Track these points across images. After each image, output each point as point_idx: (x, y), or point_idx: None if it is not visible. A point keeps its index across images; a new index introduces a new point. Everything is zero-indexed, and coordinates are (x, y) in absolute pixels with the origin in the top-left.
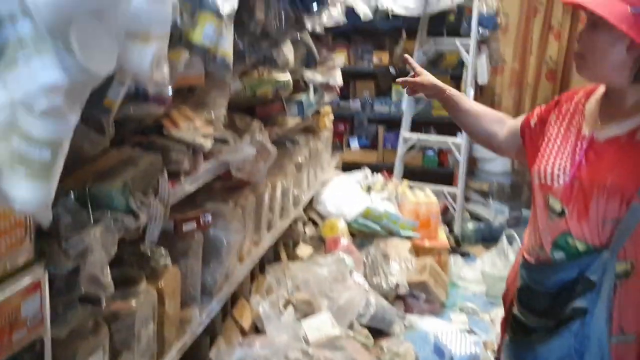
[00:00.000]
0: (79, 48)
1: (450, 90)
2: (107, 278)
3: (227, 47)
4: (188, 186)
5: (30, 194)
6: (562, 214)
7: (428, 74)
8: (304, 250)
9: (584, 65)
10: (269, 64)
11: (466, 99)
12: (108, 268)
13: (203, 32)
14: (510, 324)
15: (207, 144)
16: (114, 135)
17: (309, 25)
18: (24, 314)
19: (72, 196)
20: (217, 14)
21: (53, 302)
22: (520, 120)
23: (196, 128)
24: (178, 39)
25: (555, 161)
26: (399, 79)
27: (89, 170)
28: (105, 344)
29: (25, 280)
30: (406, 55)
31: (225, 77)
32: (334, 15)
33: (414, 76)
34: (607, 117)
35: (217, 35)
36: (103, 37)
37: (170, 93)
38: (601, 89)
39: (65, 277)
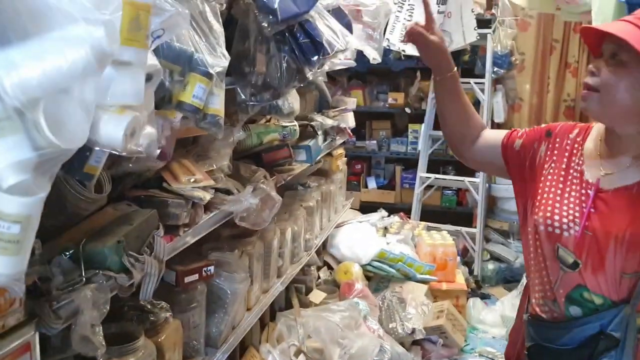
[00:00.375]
0: (47, 126)
1: (455, 71)
2: (98, 338)
3: (217, 105)
4: (189, 238)
5: (1, 269)
6: (575, 266)
7: (442, 35)
8: (316, 296)
9: (595, 101)
10: (275, 112)
11: (462, 88)
12: (100, 327)
13: (193, 93)
14: None
15: (207, 197)
16: (113, 190)
17: (310, 76)
18: None
19: (66, 255)
20: (207, 74)
21: None
22: (500, 136)
23: (196, 181)
24: (168, 100)
25: (562, 208)
26: (408, 27)
27: (84, 228)
28: None
29: (16, 342)
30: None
31: (216, 134)
32: (344, 58)
33: (426, 28)
34: (610, 165)
35: (206, 94)
36: (73, 112)
37: (159, 151)
38: (598, 129)
39: (60, 335)
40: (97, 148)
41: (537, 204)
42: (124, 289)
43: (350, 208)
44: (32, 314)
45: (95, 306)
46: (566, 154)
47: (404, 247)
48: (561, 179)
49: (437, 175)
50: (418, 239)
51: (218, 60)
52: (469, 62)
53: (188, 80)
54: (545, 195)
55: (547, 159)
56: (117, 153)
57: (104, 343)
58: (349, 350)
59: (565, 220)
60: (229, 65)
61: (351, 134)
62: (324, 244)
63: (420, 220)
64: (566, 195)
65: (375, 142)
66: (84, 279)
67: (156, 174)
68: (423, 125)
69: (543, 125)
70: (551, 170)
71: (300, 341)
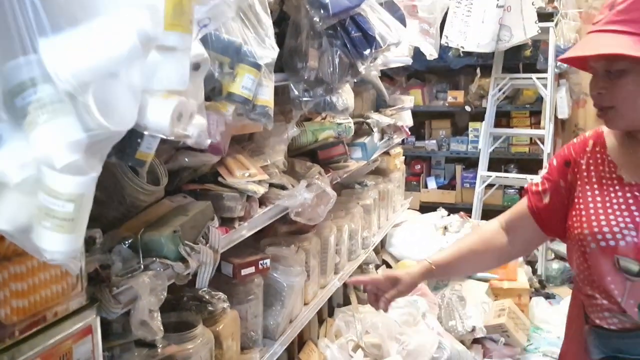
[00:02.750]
0: (97, 109)
1: (429, 265)
2: (156, 323)
3: (267, 96)
4: (245, 231)
5: (57, 246)
6: None
7: (393, 273)
8: None
9: (617, 117)
10: (329, 109)
11: (451, 250)
12: (158, 313)
13: (242, 84)
14: None
15: (260, 190)
16: (170, 184)
17: (363, 70)
18: (76, 357)
19: (125, 244)
20: (256, 65)
21: (109, 345)
22: (519, 209)
23: (250, 175)
24: (219, 91)
25: (609, 218)
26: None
27: (142, 219)
28: None
29: (78, 325)
30: (349, 281)
31: (267, 125)
32: (400, 56)
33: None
34: None
35: (255, 85)
36: (121, 96)
37: (209, 141)
38: (614, 132)
39: (121, 321)
40: (146, 133)
41: (577, 222)
42: (180, 277)
43: (410, 209)
44: (94, 298)
45: (153, 292)
46: (592, 168)
47: None
48: (596, 192)
49: (499, 174)
50: None
51: (266, 51)
52: (530, 57)
53: (237, 72)
54: (584, 213)
55: (577, 185)
56: (165, 137)
57: (162, 328)
58: (407, 346)
59: (616, 229)
60: (282, 61)
61: (409, 132)
62: (383, 243)
63: (482, 219)
64: (608, 205)
65: (434, 141)
66: (142, 266)
67: (212, 169)
68: (483, 123)
69: (553, 163)
70: (580, 189)
71: (358, 337)
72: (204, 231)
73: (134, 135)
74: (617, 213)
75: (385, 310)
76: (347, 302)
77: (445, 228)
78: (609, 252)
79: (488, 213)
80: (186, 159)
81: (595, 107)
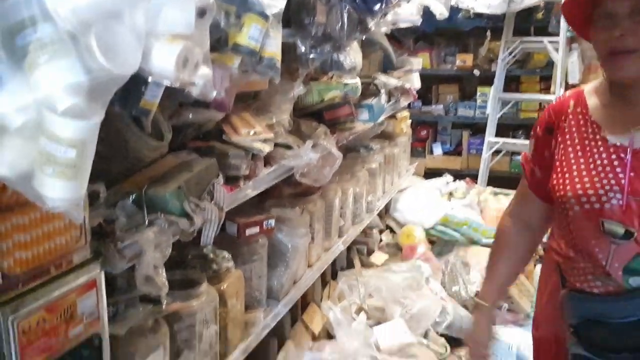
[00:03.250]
0: (99, 50)
1: (489, 306)
2: (161, 278)
3: (274, 49)
4: (250, 191)
5: (59, 194)
6: (627, 236)
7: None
8: (378, 257)
9: (637, 62)
10: (336, 68)
11: (492, 279)
12: (163, 269)
13: (248, 34)
14: None
15: (266, 149)
16: (174, 141)
17: (372, 26)
18: (80, 311)
19: (129, 199)
20: (263, 14)
21: (114, 300)
22: (523, 194)
23: (256, 133)
24: (224, 42)
25: (593, 181)
26: None
27: (146, 175)
28: (165, 342)
29: (81, 279)
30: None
31: (274, 78)
32: (408, 16)
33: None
34: (636, 121)
35: (262, 36)
36: (124, 38)
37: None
38: (596, 92)
39: (126, 276)
40: (150, 81)
41: (560, 185)
42: (185, 233)
43: (415, 175)
44: (98, 253)
45: (157, 248)
46: (574, 129)
47: (469, 211)
48: (579, 154)
49: (506, 140)
50: (484, 204)
51: (274, 0)
52: (542, 19)
53: (244, 22)
54: (567, 175)
55: (561, 145)
56: (170, 83)
57: (166, 284)
58: (410, 310)
59: (601, 192)
60: (289, 16)
61: (416, 95)
62: (387, 208)
63: (487, 186)
64: (592, 167)
65: (442, 106)
66: (147, 221)
67: (216, 127)
68: (492, 87)
69: (538, 132)
70: (563, 151)
71: (361, 299)
72: (209, 188)
73: (138, 83)
74: (602, 175)
75: None
76: (350, 265)
77: (451, 194)
78: (594, 215)
79: (494, 180)
80: (190, 115)
81: (609, 52)
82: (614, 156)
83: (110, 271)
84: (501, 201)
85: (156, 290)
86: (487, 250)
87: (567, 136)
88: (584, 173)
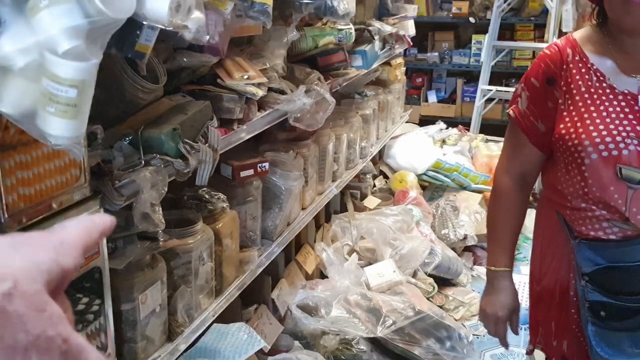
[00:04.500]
0: None
1: (509, 271)
2: (158, 216)
3: None
4: (244, 134)
5: (61, 131)
6: None
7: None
8: (371, 201)
9: None
10: (330, 13)
11: (505, 241)
12: (159, 207)
13: None
14: (590, 312)
15: (259, 92)
16: (169, 84)
17: None
18: None
19: (126, 140)
20: None
21: (113, 237)
22: (523, 150)
23: (249, 78)
24: None
25: (609, 128)
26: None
27: (142, 117)
28: (162, 277)
29: (82, 215)
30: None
31: (265, 24)
32: None
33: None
34: (637, 69)
35: None
36: None
37: (207, 37)
38: (589, 39)
39: (124, 215)
40: (145, 24)
41: (572, 133)
42: (180, 173)
43: (410, 122)
44: (97, 191)
45: (154, 187)
46: (578, 78)
47: (461, 157)
48: (589, 102)
49: (500, 88)
50: (475, 151)
51: None
52: None
53: None
54: (579, 124)
55: (567, 95)
56: (164, 27)
57: (163, 221)
58: (400, 250)
59: (619, 138)
60: None
61: (410, 42)
62: (381, 154)
63: (480, 134)
64: (604, 114)
65: (437, 54)
66: (143, 161)
67: (210, 71)
68: (487, 35)
69: (534, 84)
70: (570, 101)
71: (353, 241)
72: (203, 130)
73: (133, 26)
74: (617, 122)
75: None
76: (344, 209)
77: (444, 141)
78: (612, 161)
79: (487, 128)
80: (185, 59)
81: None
82: (623, 104)
83: (109, 208)
84: (492, 148)
85: (153, 226)
86: (477, 196)
87: (572, 85)
88: (598, 121)
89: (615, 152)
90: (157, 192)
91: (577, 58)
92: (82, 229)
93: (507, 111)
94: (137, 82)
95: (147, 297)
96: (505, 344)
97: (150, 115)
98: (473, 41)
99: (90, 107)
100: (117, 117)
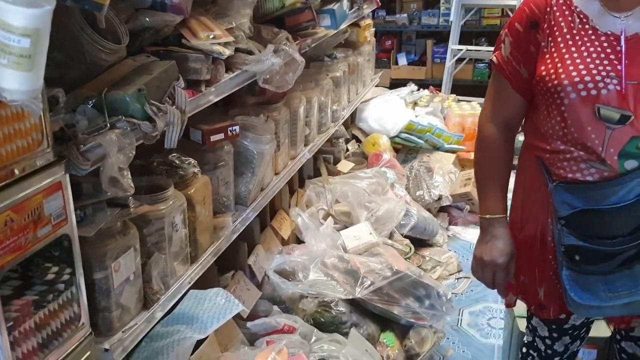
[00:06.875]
0: None
1: (505, 217)
2: (127, 180)
3: None
4: (212, 97)
5: (16, 85)
6: (623, 120)
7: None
8: (344, 165)
9: None
10: None
11: (497, 190)
12: (128, 172)
13: None
14: (565, 255)
15: (226, 52)
16: (131, 46)
17: None
18: (47, 212)
19: (89, 103)
20: None
21: (81, 205)
22: (506, 98)
23: (215, 37)
24: None
25: (589, 68)
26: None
27: (106, 78)
28: (135, 244)
29: (46, 181)
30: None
31: None
32: None
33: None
34: (623, 7)
35: None
36: None
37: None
38: None
39: (92, 182)
40: None
41: (552, 74)
42: (148, 136)
43: (380, 86)
44: (61, 157)
45: (121, 151)
46: (561, 20)
47: (433, 118)
48: (570, 43)
49: (470, 47)
50: (447, 111)
51: None
52: None
53: None
54: (559, 65)
55: (549, 38)
56: None
57: (132, 185)
58: (376, 212)
59: (598, 78)
60: None
61: (379, 2)
62: (353, 118)
63: (451, 94)
64: (585, 54)
65: (405, 15)
66: (108, 124)
67: (174, 32)
68: None
69: (518, 28)
70: (552, 43)
71: (328, 205)
72: (170, 91)
73: None
74: (597, 62)
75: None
76: (317, 174)
77: (415, 103)
78: (590, 102)
79: (458, 88)
80: (147, 19)
81: None
82: (606, 44)
83: (75, 174)
84: (464, 108)
85: (122, 191)
86: (450, 156)
87: (555, 28)
88: (578, 61)
89: (594, 92)
90: (124, 156)
91: (561, 1)
92: None
93: (491, 58)
94: (97, 42)
95: (120, 264)
96: (503, 292)
97: (114, 76)
98: (442, 0)
99: (50, 70)
100: (78, 79)
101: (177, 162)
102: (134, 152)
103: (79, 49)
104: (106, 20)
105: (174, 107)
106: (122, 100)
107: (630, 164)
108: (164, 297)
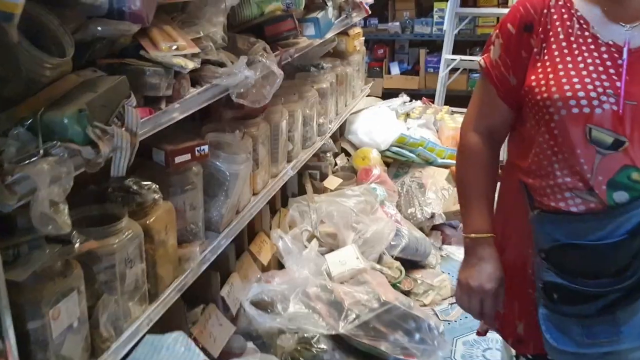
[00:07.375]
0: None
1: (489, 234)
2: (62, 216)
3: None
4: (176, 114)
5: None
6: (616, 145)
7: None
8: (332, 182)
9: None
10: None
11: (481, 204)
12: (66, 205)
13: None
14: (543, 293)
15: (189, 65)
16: (80, 58)
17: None
18: None
19: (24, 126)
20: None
21: (14, 242)
22: (491, 105)
23: (178, 48)
24: None
25: (584, 82)
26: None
27: (44, 97)
28: (79, 286)
29: None
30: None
31: None
32: None
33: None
34: (629, 16)
35: None
36: None
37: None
38: None
39: (27, 215)
40: None
41: (543, 86)
42: (91, 163)
43: (373, 95)
44: None
45: (55, 182)
46: (558, 24)
47: (426, 131)
48: (566, 51)
49: (464, 57)
50: (440, 123)
51: None
52: None
53: None
54: (551, 76)
55: (543, 44)
56: None
57: (69, 223)
58: (364, 234)
59: (593, 94)
60: None
61: (368, 10)
62: (342, 131)
63: (445, 105)
64: (582, 66)
65: (398, 23)
66: (42, 151)
67: (133, 42)
68: (449, 2)
69: (510, 30)
70: (546, 50)
71: (313, 226)
72: (119, 111)
73: None
74: (594, 76)
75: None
76: (302, 191)
77: (407, 115)
78: (582, 120)
79: (452, 99)
80: (99, 28)
81: None
82: (606, 56)
83: (0, 210)
84: (457, 120)
85: (56, 230)
86: (443, 171)
87: (551, 32)
88: (573, 72)
89: (586, 110)
90: (60, 187)
91: (560, 3)
92: None
93: (478, 60)
94: (35, 56)
95: (60, 311)
96: (492, 324)
97: (54, 94)
98: (435, 9)
99: None
100: (14, 97)
101: (135, 188)
102: (71, 183)
103: (13, 62)
104: (50, 30)
105: (123, 128)
106: (59, 122)
107: (619, 196)
108: (115, 344)
